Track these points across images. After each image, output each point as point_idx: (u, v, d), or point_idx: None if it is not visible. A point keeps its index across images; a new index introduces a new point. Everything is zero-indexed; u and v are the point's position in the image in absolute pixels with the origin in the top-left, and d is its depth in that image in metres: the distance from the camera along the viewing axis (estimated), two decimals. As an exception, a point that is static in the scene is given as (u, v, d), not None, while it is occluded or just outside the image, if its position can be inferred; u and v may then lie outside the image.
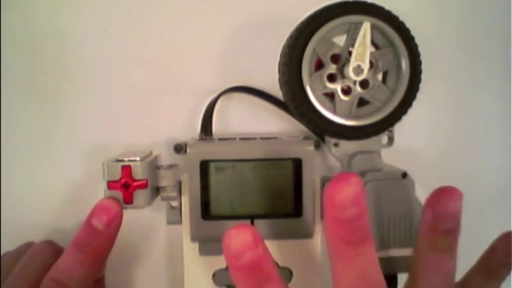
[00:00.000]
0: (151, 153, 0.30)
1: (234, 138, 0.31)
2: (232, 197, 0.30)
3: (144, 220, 0.35)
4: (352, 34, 0.28)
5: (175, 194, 0.30)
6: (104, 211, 0.27)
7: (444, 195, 0.23)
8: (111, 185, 0.27)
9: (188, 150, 0.29)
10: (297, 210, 0.30)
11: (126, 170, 0.27)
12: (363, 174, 0.29)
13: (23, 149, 0.35)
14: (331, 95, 0.29)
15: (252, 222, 0.30)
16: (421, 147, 0.37)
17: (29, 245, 0.32)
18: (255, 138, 0.31)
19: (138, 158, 0.28)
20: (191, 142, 0.30)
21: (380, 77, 0.29)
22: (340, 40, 0.28)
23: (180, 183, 0.30)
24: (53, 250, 0.31)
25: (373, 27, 0.27)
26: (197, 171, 0.29)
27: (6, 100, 0.34)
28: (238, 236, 0.22)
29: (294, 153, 0.30)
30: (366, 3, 0.28)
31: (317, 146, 0.31)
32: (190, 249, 0.31)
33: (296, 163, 0.30)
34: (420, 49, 0.28)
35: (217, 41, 0.35)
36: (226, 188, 0.30)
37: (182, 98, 0.35)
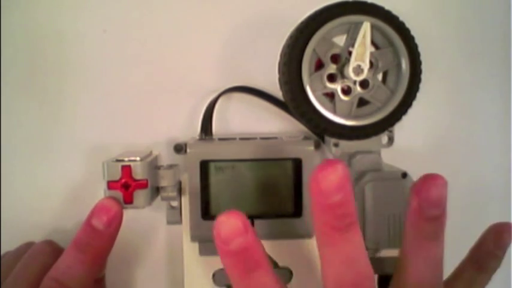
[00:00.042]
0: (151, 153, 0.30)
1: (234, 138, 0.31)
2: (232, 197, 0.30)
3: (144, 220, 0.35)
4: (352, 34, 0.28)
5: (175, 194, 0.30)
6: (104, 211, 0.27)
7: (428, 181, 0.23)
8: (111, 185, 0.27)
9: (188, 150, 0.29)
10: (297, 210, 0.30)
11: (126, 170, 0.27)
12: (363, 174, 0.30)
13: (23, 149, 0.35)
14: (331, 95, 0.29)
15: (252, 222, 0.30)
16: (421, 147, 0.37)
17: (29, 245, 0.32)
18: (255, 138, 0.31)
19: (138, 158, 0.28)
20: (191, 142, 0.30)
21: (380, 77, 0.29)
22: (340, 40, 0.28)
23: (180, 183, 0.30)
24: (53, 250, 0.31)
25: (373, 27, 0.27)
26: (197, 171, 0.29)
27: (6, 100, 0.34)
28: (229, 222, 0.22)
29: (294, 153, 0.30)
30: (366, 3, 0.28)
31: (317, 146, 0.31)
32: (190, 249, 0.31)
33: (296, 163, 0.30)
34: (420, 49, 0.28)
35: (217, 41, 0.35)
36: (226, 188, 0.30)
37: (182, 98, 0.35)
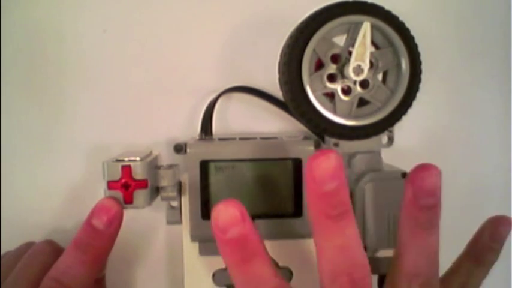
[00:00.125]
0: (151, 153, 0.30)
1: (234, 138, 0.31)
2: (232, 197, 0.30)
3: (144, 220, 0.35)
4: (352, 34, 0.28)
5: (175, 194, 0.30)
6: (104, 211, 0.27)
7: (422, 171, 0.23)
8: (111, 185, 0.27)
9: (188, 150, 0.29)
10: (297, 210, 0.30)
11: (126, 170, 0.27)
12: (363, 174, 0.30)
13: (23, 148, 0.35)
14: (331, 95, 0.29)
15: (252, 222, 0.30)
16: (421, 147, 0.37)
17: (29, 245, 0.32)
18: (255, 138, 0.31)
19: (138, 158, 0.28)
20: (191, 142, 0.30)
21: (380, 77, 0.29)
22: (340, 40, 0.28)
23: (180, 183, 0.30)
24: (53, 250, 0.31)
25: (373, 27, 0.27)
26: (197, 171, 0.29)
27: (6, 100, 0.34)
28: (226, 211, 0.22)
29: (294, 153, 0.30)
30: (366, 3, 0.28)
31: (317, 146, 0.31)
32: (190, 249, 0.31)
33: (296, 163, 0.30)
34: (420, 49, 0.28)
35: (217, 41, 0.35)
36: (226, 188, 0.30)
37: (182, 98, 0.35)
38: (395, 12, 0.28)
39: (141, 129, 0.35)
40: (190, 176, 0.29)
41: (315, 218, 0.23)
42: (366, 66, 0.27)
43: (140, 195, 0.28)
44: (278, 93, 0.31)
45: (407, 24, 0.28)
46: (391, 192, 0.29)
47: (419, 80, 0.29)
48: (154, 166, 0.29)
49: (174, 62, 0.35)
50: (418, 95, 0.29)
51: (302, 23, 0.28)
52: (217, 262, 0.30)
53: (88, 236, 0.27)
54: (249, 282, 0.23)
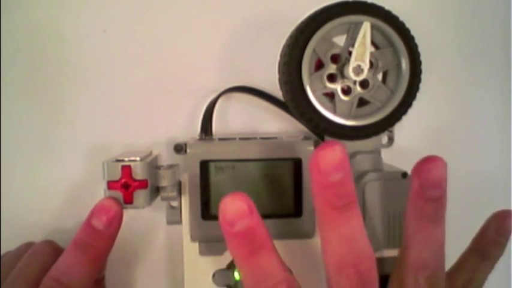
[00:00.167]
0: (151, 153, 0.30)
1: (234, 138, 0.31)
2: None
3: (144, 220, 0.35)
4: (352, 34, 0.28)
5: (175, 194, 0.30)
6: (104, 211, 0.27)
7: (428, 162, 0.23)
8: (111, 185, 0.27)
9: (188, 150, 0.29)
10: (297, 210, 0.30)
11: (126, 170, 0.27)
12: (363, 174, 0.30)
13: (23, 149, 0.35)
14: (331, 95, 0.29)
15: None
16: (421, 147, 0.37)
17: (29, 245, 0.32)
18: (255, 138, 0.31)
19: (138, 158, 0.28)
20: (191, 142, 0.30)
21: (380, 77, 0.29)
22: (340, 40, 0.28)
23: (180, 183, 0.30)
24: (53, 250, 0.31)
25: (373, 27, 0.27)
26: (197, 171, 0.29)
27: (6, 100, 0.34)
28: (234, 204, 0.23)
29: (294, 153, 0.30)
30: (366, 3, 0.28)
31: (317, 146, 0.31)
32: (190, 249, 0.31)
33: (296, 163, 0.30)
34: (420, 49, 0.28)
35: (217, 41, 0.35)
36: (226, 188, 0.30)
37: (182, 98, 0.35)
38: (395, 12, 0.28)
39: (141, 129, 0.35)
40: (190, 176, 0.29)
41: (320, 209, 0.23)
42: (366, 66, 0.27)
43: (140, 195, 0.28)
44: (278, 93, 0.31)
45: (407, 24, 0.28)
46: (391, 192, 0.29)
47: (419, 80, 0.29)
48: (154, 166, 0.29)
49: (174, 62, 0.35)
50: (418, 95, 0.29)
51: (302, 23, 0.28)
52: (217, 262, 0.30)
53: (88, 236, 0.27)
54: (256, 274, 0.23)
